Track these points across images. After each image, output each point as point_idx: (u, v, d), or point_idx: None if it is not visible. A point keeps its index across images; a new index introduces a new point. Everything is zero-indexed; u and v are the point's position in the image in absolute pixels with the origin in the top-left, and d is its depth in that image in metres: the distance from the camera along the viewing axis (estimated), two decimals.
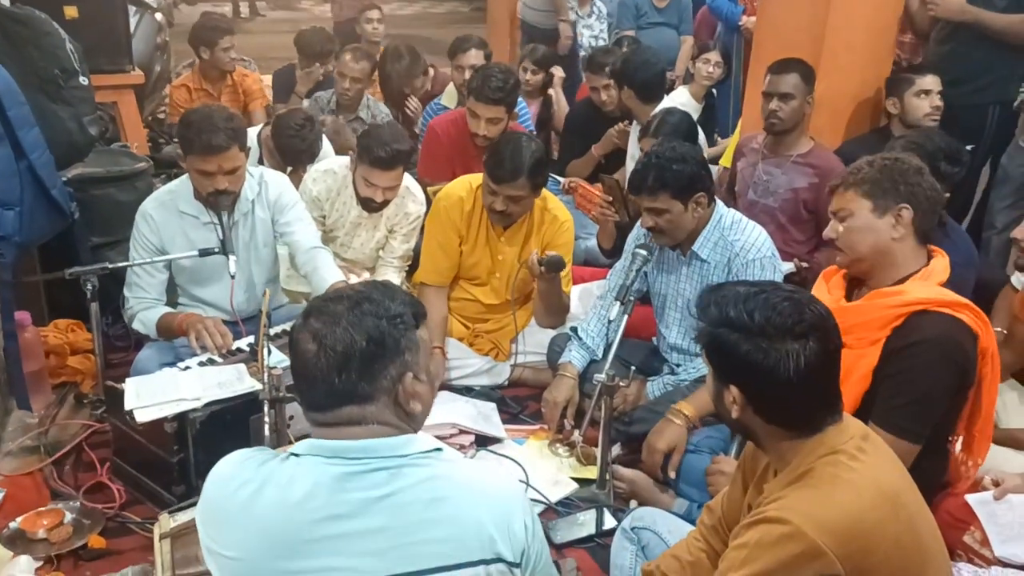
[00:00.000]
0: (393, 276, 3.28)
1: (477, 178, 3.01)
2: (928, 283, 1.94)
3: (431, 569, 1.22)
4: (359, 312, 1.28)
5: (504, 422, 2.81)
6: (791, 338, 1.38)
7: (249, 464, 1.29)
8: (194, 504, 1.91)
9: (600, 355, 2.77)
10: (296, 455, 1.27)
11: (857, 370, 1.90)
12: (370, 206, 3.21)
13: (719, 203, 2.64)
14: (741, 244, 2.56)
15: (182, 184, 2.76)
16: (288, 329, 2.71)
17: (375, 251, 3.36)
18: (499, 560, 1.25)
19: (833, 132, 3.56)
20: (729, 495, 1.68)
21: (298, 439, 2.19)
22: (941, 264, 2.00)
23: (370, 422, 1.28)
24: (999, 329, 2.72)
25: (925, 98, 3.36)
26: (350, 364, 1.26)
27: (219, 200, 2.65)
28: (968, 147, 3.16)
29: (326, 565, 1.21)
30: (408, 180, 3.31)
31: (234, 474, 1.29)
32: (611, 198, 3.32)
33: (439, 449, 1.30)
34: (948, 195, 2.59)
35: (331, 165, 3.34)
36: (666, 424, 2.43)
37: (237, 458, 1.33)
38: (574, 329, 2.89)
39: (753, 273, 2.53)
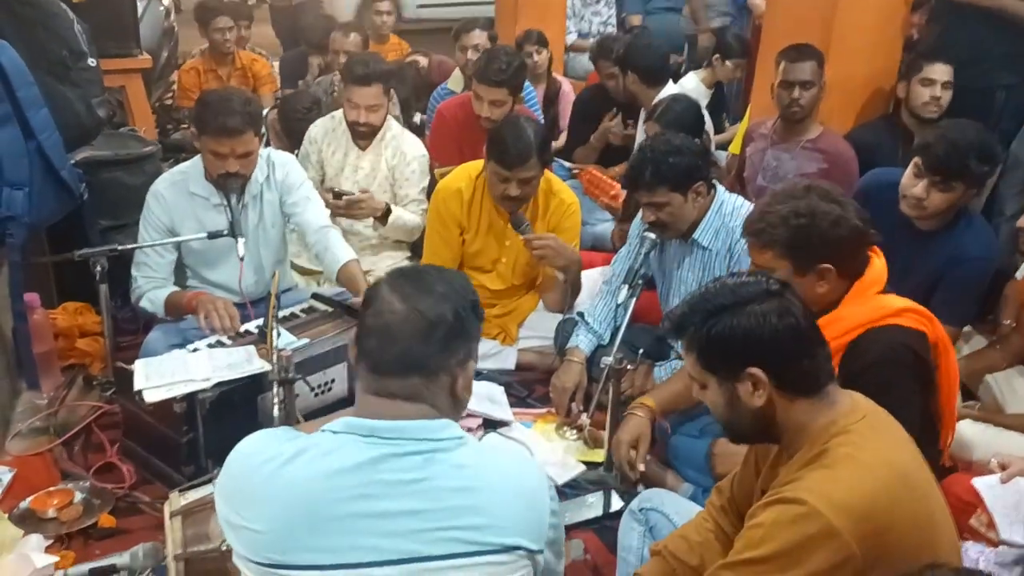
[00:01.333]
0: (416, 218, 3.34)
1: (475, 167, 3.00)
2: (863, 298, 1.89)
3: (457, 554, 1.22)
4: (448, 288, 1.31)
5: (511, 405, 2.82)
6: (769, 296, 1.41)
7: (277, 439, 1.30)
8: (205, 483, 1.93)
9: (607, 339, 2.77)
10: (332, 432, 1.27)
11: None
12: (357, 131, 3.36)
13: (720, 189, 2.63)
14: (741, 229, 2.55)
15: (194, 165, 2.77)
16: (298, 312, 2.75)
17: (379, 192, 3.41)
18: (521, 548, 1.26)
19: (842, 117, 3.55)
20: (740, 476, 1.68)
21: (306, 417, 2.22)
22: (877, 269, 1.93)
23: (424, 401, 1.29)
24: (1008, 322, 2.71)
25: (927, 87, 3.30)
26: (434, 334, 1.27)
27: (228, 183, 2.65)
28: None
29: (351, 543, 1.21)
30: (402, 129, 3.53)
31: (260, 449, 1.29)
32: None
33: (465, 436, 1.31)
34: (975, 192, 2.53)
35: (332, 113, 3.57)
36: (629, 418, 2.37)
37: (262, 434, 1.34)
38: (581, 314, 2.88)
39: None
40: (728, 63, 4.72)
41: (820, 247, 1.83)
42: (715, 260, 2.60)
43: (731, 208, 2.59)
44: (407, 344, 1.27)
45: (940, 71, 3.31)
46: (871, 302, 1.89)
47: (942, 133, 2.53)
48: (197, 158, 2.76)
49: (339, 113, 3.48)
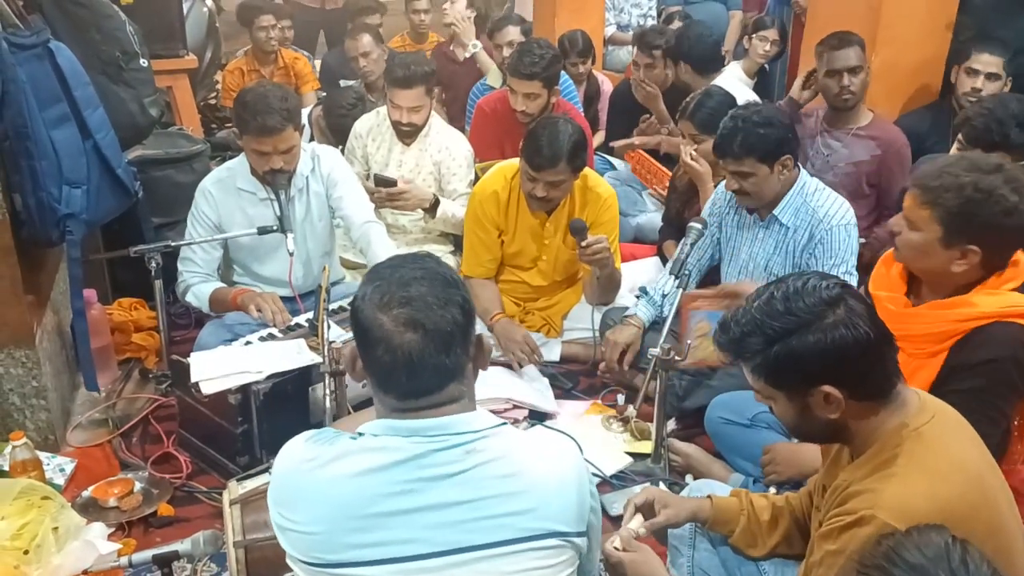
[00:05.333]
0: (460, 212, 3.34)
1: (511, 168, 3.00)
2: (998, 292, 1.79)
3: (507, 540, 1.22)
4: (440, 285, 1.26)
5: (557, 398, 2.82)
6: (832, 307, 1.34)
7: (317, 442, 1.29)
8: (263, 471, 1.97)
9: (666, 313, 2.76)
10: (373, 435, 1.26)
11: (914, 382, 1.74)
12: (400, 130, 3.41)
13: (802, 170, 2.60)
14: (825, 211, 2.52)
15: (240, 162, 2.82)
16: (346, 305, 2.77)
17: (424, 187, 3.43)
18: (563, 533, 1.26)
19: (890, 104, 3.50)
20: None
21: (355, 407, 2.25)
22: (1020, 268, 1.82)
23: (463, 397, 1.28)
24: None
25: (971, 77, 3.23)
26: (454, 339, 1.24)
27: (276, 179, 2.69)
28: None
29: (400, 538, 1.21)
30: (445, 125, 3.58)
31: (300, 452, 1.29)
32: None
33: (503, 423, 1.31)
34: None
35: (377, 109, 3.65)
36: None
37: (304, 437, 1.33)
38: (643, 288, 2.90)
39: (837, 239, 2.49)
40: (755, 39, 4.64)
41: (980, 228, 1.73)
42: (792, 239, 2.57)
43: (813, 189, 2.57)
44: (434, 364, 1.23)
45: (985, 61, 3.21)
46: (1006, 297, 1.79)
47: (983, 105, 2.51)
48: (243, 155, 2.81)
49: (383, 109, 3.53)
